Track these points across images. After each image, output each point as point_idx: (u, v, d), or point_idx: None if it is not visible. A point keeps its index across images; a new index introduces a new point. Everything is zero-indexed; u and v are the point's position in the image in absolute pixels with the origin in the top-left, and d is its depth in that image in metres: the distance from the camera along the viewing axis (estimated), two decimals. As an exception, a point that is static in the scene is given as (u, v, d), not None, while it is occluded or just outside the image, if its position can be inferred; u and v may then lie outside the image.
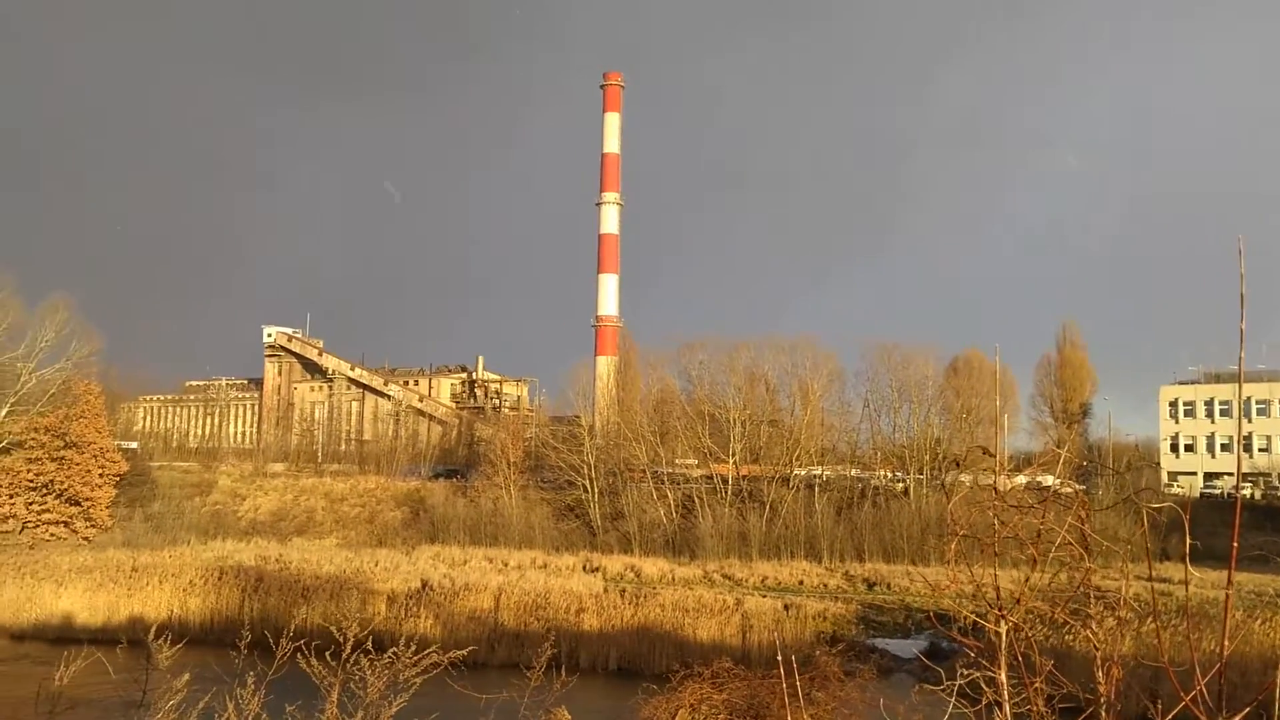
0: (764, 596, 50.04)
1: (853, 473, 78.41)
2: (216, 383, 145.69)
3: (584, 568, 61.31)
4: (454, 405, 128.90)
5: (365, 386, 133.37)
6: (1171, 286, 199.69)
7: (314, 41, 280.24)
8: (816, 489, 74.04)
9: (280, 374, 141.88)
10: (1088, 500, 5.13)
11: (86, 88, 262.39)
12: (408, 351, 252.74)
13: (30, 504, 61.37)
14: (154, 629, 11.66)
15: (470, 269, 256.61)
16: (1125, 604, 4.92)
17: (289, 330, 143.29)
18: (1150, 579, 5.04)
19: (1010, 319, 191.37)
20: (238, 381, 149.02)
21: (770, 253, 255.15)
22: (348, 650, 10.14)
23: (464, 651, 11.59)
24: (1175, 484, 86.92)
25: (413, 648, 10.75)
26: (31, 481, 61.66)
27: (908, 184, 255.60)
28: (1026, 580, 4.89)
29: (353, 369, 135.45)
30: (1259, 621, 36.19)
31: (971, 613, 5.39)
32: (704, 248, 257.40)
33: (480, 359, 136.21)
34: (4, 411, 60.35)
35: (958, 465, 62.14)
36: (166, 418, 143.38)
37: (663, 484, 75.90)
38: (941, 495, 67.61)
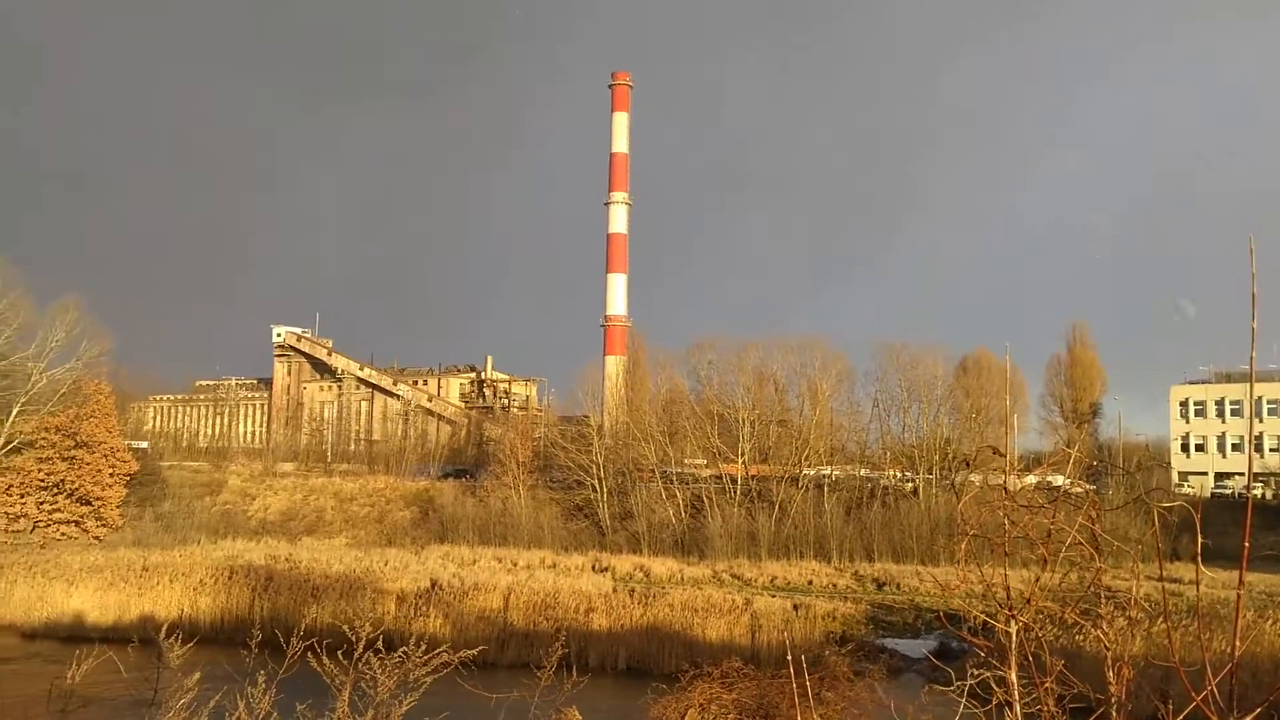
0: (773, 596, 50.01)
1: (862, 472, 78.26)
2: (226, 382, 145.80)
3: (593, 567, 61.33)
4: (463, 405, 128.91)
5: (374, 386, 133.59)
6: (1178, 286, 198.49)
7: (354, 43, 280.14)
8: (826, 489, 74.02)
9: (290, 374, 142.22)
10: (1098, 500, 5.12)
11: (86, 88, 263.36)
12: (416, 351, 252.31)
13: (41, 503, 61.77)
14: (165, 628, 11.74)
15: (479, 269, 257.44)
16: (1136, 604, 4.92)
17: (298, 330, 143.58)
18: (1161, 579, 5.02)
19: (1016, 319, 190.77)
20: (247, 381, 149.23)
21: (774, 253, 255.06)
22: (360, 649, 10.17)
23: (474, 651, 11.59)
24: (1186, 484, 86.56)
25: (423, 647, 10.80)
26: (42, 481, 62.05)
27: (911, 184, 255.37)
28: (1037, 580, 4.89)
29: (362, 369, 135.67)
30: (1270, 622, 36.05)
31: (981, 612, 5.40)
32: (709, 248, 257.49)
33: (489, 359, 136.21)
34: (15, 411, 60.63)
35: (967, 465, 61.94)
36: (176, 417, 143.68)
37: (672, 484, 75.86)
38: (951, 495, 67.48)
